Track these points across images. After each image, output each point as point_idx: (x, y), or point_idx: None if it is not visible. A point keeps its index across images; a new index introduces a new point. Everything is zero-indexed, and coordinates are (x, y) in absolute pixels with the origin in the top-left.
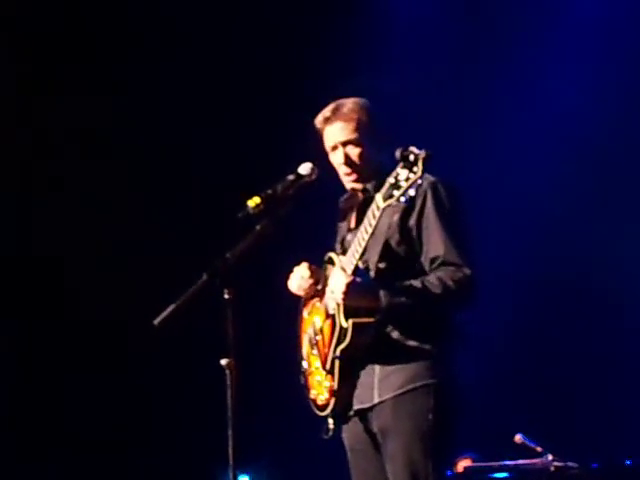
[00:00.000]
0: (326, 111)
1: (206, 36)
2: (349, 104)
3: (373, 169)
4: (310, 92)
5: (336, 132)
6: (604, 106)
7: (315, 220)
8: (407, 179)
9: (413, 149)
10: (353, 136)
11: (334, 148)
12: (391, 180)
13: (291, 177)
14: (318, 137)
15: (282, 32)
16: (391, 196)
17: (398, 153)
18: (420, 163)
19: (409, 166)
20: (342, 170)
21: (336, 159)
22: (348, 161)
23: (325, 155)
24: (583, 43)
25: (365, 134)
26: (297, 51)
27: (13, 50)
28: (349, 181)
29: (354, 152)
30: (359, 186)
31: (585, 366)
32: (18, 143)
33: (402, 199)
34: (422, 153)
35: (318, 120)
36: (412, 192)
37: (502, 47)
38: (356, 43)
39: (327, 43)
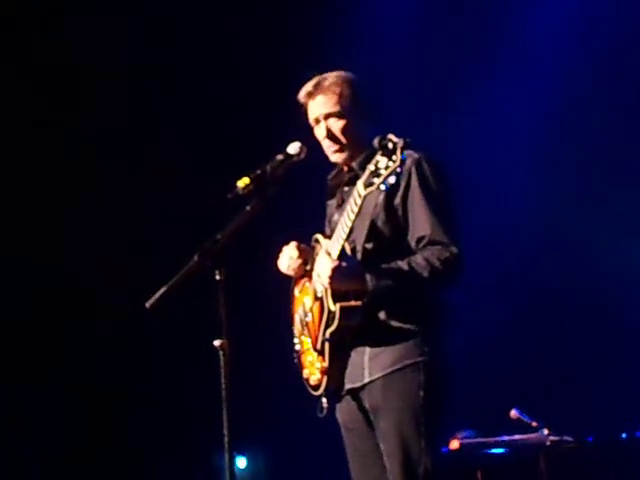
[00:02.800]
0: (308, 85)
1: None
2: (332, 77)
3: (358, 143)
4: (293, 73)
5: (318, 105)
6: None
7: (305, 199)
8: (387, 167)
9: (391, 137)
10: (335, 109)
11: (317, 122)
12: (371, 167)
13: (280, 157)
14: (303, 112)
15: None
16: (371, 184)
17: (376, 141)
18: (399, 151)
19: (388, 154)
20: (325, 144)
21: (319, 133)
22: (330, 134)
23: (312, 133)
24: (565, 21)
25: (348, 107)
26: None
27: None
28: (331, 153)
29: (336, 125)
30: (342, 157)
31: (580, 341)
32: None
33: (382, 187)
34: (400, 141)
35: (301, 95)
36: (392, 179)
37: (479, 29)
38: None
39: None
